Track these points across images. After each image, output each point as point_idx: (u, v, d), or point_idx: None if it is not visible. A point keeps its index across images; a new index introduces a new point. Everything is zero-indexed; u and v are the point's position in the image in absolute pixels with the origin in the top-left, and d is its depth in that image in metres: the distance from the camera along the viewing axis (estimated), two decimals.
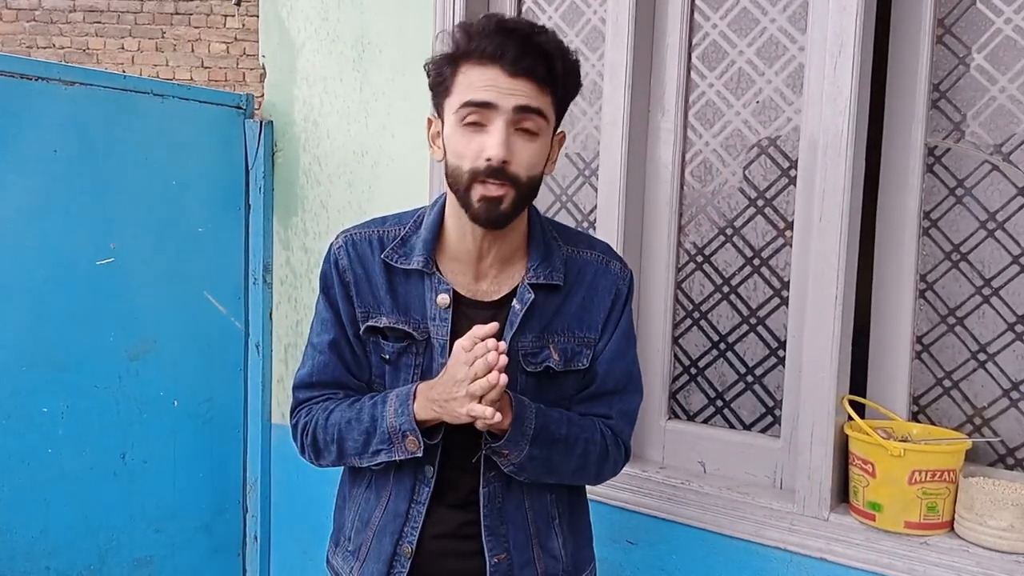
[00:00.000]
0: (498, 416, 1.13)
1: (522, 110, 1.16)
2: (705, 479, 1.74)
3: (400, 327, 1.29)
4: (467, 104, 1.17)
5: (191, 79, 6.82)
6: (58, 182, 1.99)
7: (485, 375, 1.12)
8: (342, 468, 1.43)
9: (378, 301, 1.30)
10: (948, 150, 1.58)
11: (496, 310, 1.29)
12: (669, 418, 1.87)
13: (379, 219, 1.37)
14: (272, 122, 2.41)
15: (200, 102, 2.30)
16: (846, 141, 1.52)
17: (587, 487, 1.48)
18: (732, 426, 1.81)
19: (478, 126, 1.17)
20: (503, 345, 1.13)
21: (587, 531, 1.46)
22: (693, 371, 1.85)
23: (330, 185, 2.31)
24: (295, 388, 1.39)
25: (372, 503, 1.35)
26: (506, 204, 1.19)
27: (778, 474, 1.70)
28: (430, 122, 1.30)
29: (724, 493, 1.68)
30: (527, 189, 1.20)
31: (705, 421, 1.85)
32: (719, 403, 1.83)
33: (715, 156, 1.80)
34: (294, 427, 1.36)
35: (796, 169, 1.68)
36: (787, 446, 1.68)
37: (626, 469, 1.78)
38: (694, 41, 1.81)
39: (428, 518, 1.31)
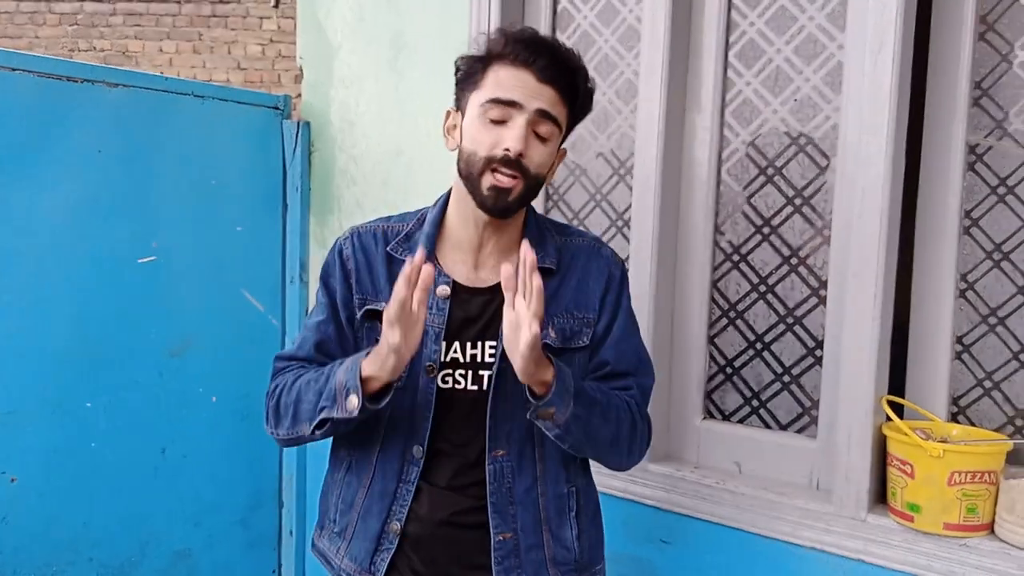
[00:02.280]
0: (398, 338, 1.15)
1: (542, 114, 1.26)
2: (740, 479, 1.74)
3: None
4: (494, 100, 1.25)
5: (227, 80, 6.91)
6: (102, 181, 2.04)
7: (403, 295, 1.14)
8: (329, 460, 1.47)
9: (377, 289, 1.36)
10: (990, 148, 1.56)
11: (492, 295, 1.33)
12: (704, 418, 1.86)
13: (384, 217, 1.45)
14: (309, 123, 2.44)
15: (239, 103, 2.33)
16: (886, 139, 1.50)
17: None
18: (768, 426, 1.80)
19: (499, 123, 1.26)
20: (419, 257, 1.16)
21: (601, 529, 1.48)
22: (729, 371, 1.85)
23: (366, 185, 2.33)
24: (274, 360, 1.43)
25: (353, 486, 1.40)
26: (514, 195, 1.27)
27: (815, 475, 1.69)
28: (448, 114, 1.37)
29: (760, 493, 1.67)
30: (534, 183, 1.29)
31: (741, 421, 1.84)
32: (755, 403, 1.82)
33: (752, 154, 1.79)
34: (267, 393, 1.39)
35: (834, 167, 1.67)
36: (824, 446, 1.67)
37: (660, 468, 1.79)
38: (731, 39, 1.80)
39: (425, 499, 1.34)
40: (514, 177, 1.25)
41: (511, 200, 1.26)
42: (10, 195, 1.88)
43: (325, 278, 1.41)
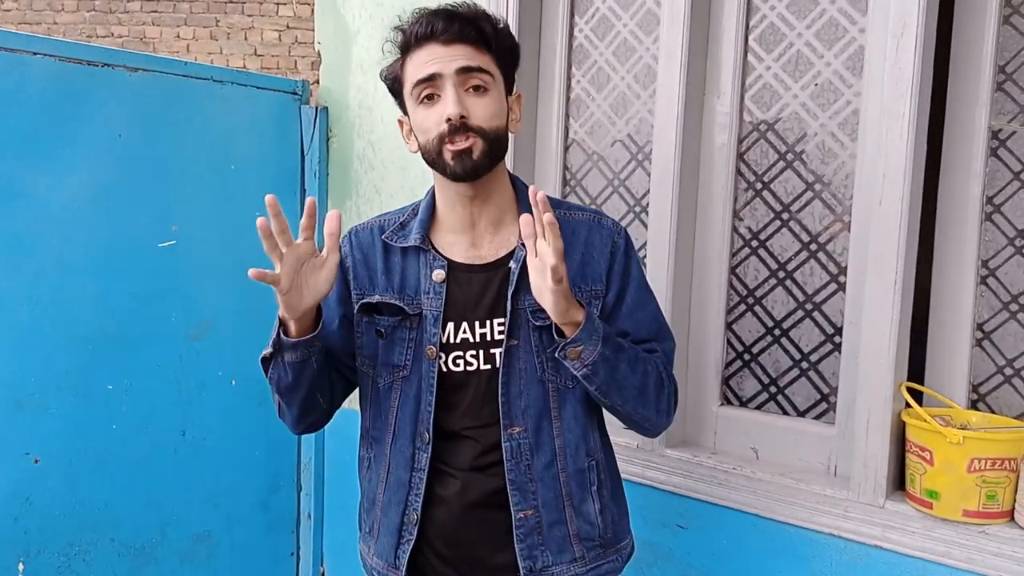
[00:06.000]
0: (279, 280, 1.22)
1: (465, 70, 1.27)
2: (757, 465, 1.74)
3: (393, 302, 1.37)
4: (417, 83, 1.29)
5: (244, 67, 6.92)
6: (122, 166, 2.05)
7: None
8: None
9: (373, 282, 1.40)
10: (1013, 133, 1.55)
11: (493, 271, 1.36)
12: (721, 404, 1.86)
13: (381, 214, 1.49)
14: (327, 108, 2.45)
15: (257, 88, 2.34)
16: (908, 124, 1.49)
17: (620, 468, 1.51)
18: (786, 412, 1.80)
19: (433, 98, 1.29)
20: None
21: (625, 504, 1.49)
22: (747, 357, 1.84)
23: (383, 170, 2.33)
24: None
25: (374, 482, 1.43)
26: (477, 153, 1.27)
27: (832, 461, 1.69)
28: (401, 123, 1.41)
29: (777, 479, 1.67)
30: (492, 138, 1.29)
31: (758, 407, 1.83)
32: (773, 389, 1.82)
33: (772, 139, 1.78)
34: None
35: (855, 153, 1.66)
36: (842, 433, 1.67)
37: (677, 454, 1.79)
38: (751, 23, 1.79)
39: (449, 483, 1.36)
40: (468, 137, 1.27)
41: (476, 158, 1.27)
42: (32, 179, 1.90)
43: None
